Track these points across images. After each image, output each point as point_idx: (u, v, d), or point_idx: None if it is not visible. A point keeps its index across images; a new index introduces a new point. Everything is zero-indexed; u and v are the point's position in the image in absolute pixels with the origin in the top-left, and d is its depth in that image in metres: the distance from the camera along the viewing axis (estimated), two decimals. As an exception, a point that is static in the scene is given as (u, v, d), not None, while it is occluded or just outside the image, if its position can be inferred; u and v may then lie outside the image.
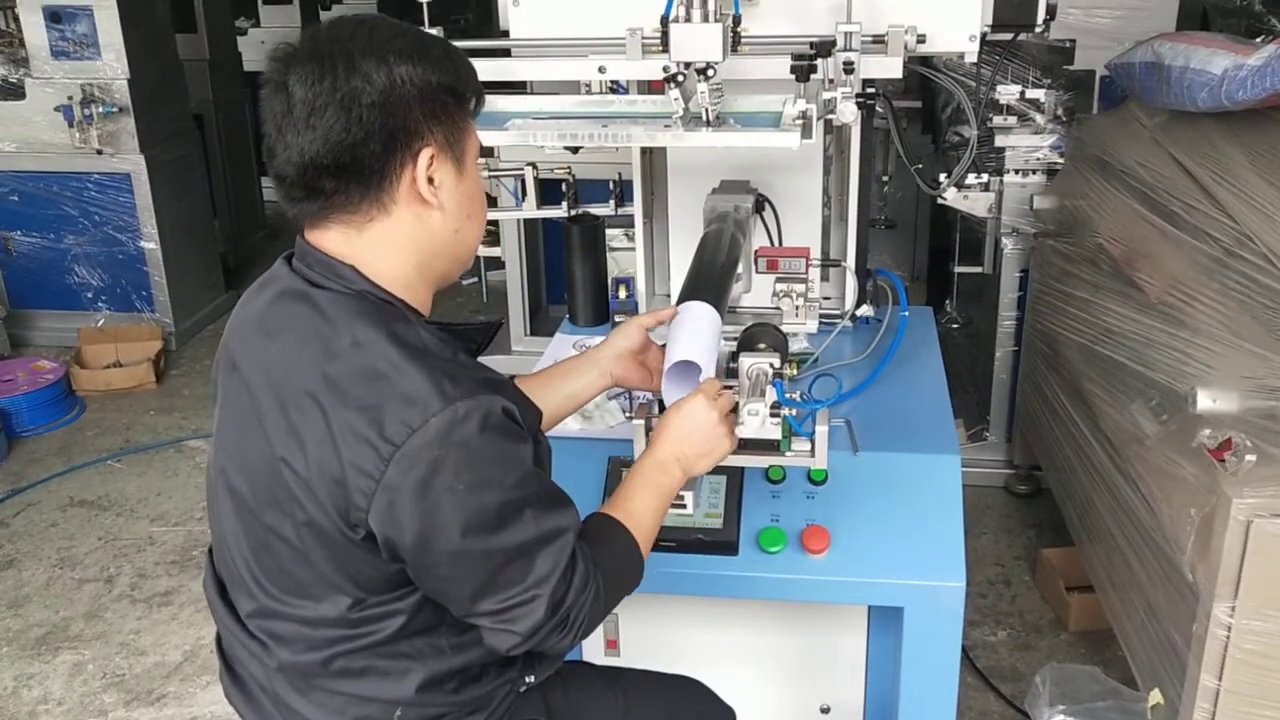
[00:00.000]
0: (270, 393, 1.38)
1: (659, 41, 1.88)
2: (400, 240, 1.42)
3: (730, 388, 1.77)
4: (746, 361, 1.76)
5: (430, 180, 1.40)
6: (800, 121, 1.90)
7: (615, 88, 2.46)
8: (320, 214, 1.40)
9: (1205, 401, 2.06)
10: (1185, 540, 2.13)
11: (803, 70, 1.90)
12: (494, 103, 2.21)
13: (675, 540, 1.96)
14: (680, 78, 1.86)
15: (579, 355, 1.93)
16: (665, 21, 1.84)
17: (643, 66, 2.07)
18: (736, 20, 1.91)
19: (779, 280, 2.16)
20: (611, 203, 3.64)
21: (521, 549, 1.37)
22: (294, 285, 1.42)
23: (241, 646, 1.53)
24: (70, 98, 4.87)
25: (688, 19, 1.82)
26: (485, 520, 1.34)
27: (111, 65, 4.90)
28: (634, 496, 1.60)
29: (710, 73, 1.84)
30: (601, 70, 2.13)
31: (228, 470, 1.46)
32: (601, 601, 1.47)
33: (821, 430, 1.75)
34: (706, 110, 1.90)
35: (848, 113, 1.91)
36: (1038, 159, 3.59)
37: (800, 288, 2.16)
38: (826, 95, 1.93)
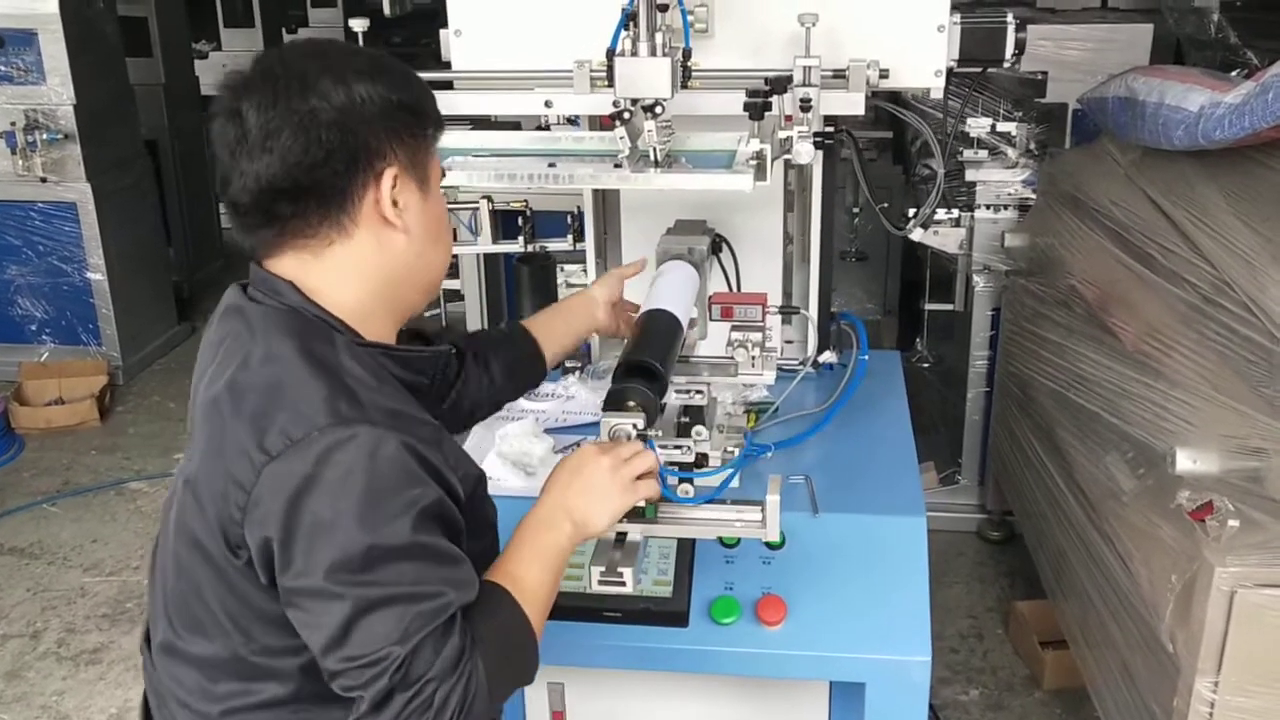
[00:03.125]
0: (198, 408, 1.36)
1: (606, 75, 1.77)
2: (361, 265, 1.37)
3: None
4: (609, 421, 1.61)
5: (394, 203, 1.35)
6: (754, 162, 1.78)
7: (574, 121, 2.36)
8: (276, 241, 1.36)
9: (1185, 462, 1.95)
10: (1164, 607, 2.01)
11: (756, 108, 1.78)
12: (434, 136, 2.11)
13: (620, 610, 1.84)
14: (627, 115, 1.75)
15: (574, 295, 2.01)
16: (610, 55, 1.74)
17: (591, 101, 1.98)
18: (687, 54, 1.81)
19: (735, 329, 2.03)
20: (570, 237, 3.52)
21: (385, 600, 1.23)
22: (235, 301, 1.40)
23: (156, 697, 1.46)
24: (13, 124, 4.71)
25: (634, 53, 1.72)
26: (349, 559, 1.22)
27: (56, 91, 4.75)
28: (519, 560, 1.43)
29: (658, 110, 1.73)
30: (548, 104, 2.04)
31: (173, 498, 1.41)
32: (482, 685, 1.28)
33: (773, 500, 1.61)
34: (655, 150, 1.78)
35: (805, 153, 1.81)
36: (1009, 194, 3.52)
37: (757, 336, 2.04)
38: (783, 134, 1.81)
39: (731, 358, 2.03)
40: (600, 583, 1.58)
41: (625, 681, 2.13)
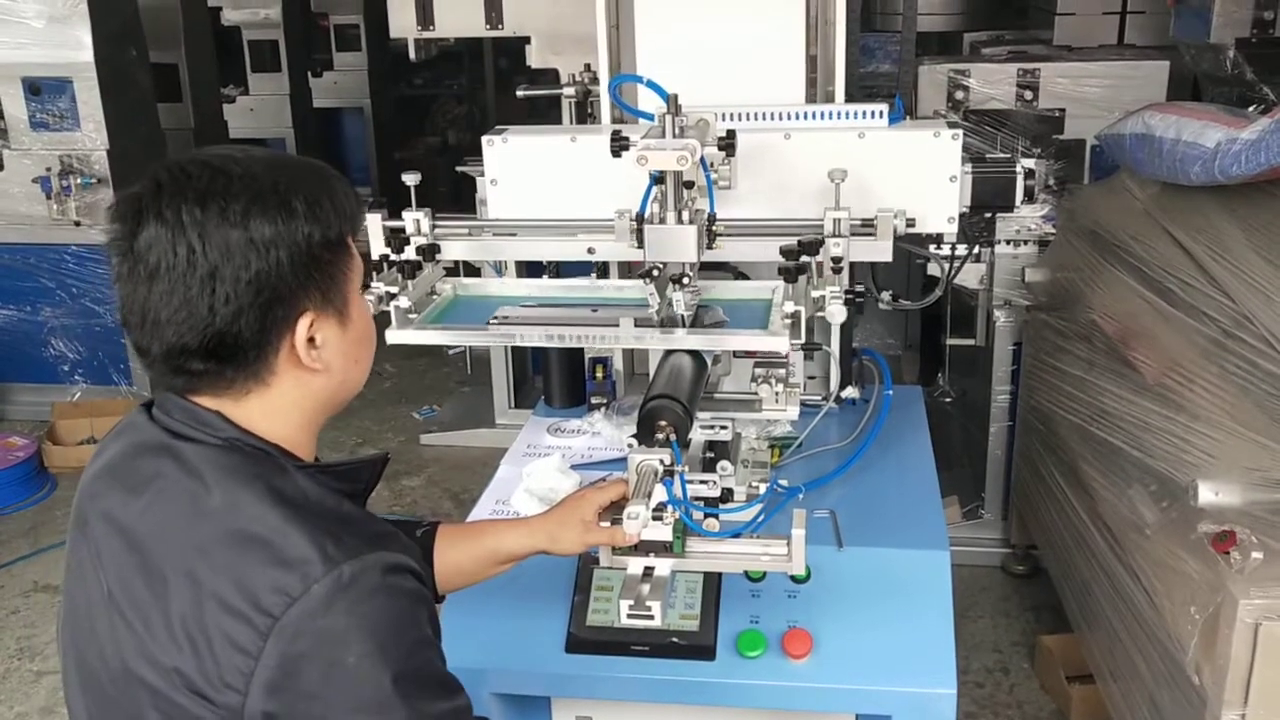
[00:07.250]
0: (132, 559, 1.24)
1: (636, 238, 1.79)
2: (282, 406, 1.30)
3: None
4: (635, 458, 1.64)
5: (312, 340, 1.28)
6: (789, 322, 1.79)
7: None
8: (188, 388, 1.29)
9: (1207, 495, 1.96)
10: (1189, 640, 2.01)
11: (791, 272, 1.79)
12: (480, 286, 2.05)
13: (648, 644, 1.86)
14: (655, 273, 1.77)
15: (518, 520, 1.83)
16: (640, 219, 1.78)
17: (632, 249, 1.97)
18: (712, 219, 1.84)
19: (758, 365, 2.06)
20: (594, 275, 3.55)
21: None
22: (153, 438, 1.28)
23: None
24: (48, 169, 4.80)
25: (662, 220, 1.76)
26: (380, 696, 1.18)
27: (90, 136, 4.84)
28: None
29: (685, 280, 1.74)
30: (591, 251, 2.02)
31: (85, 654, 1.30)
32: None
33: (798, 534, 1.64)
34: (682, 317, 1.79)
35: (837, 314, 1.79)
36: (1029, 230, 3.53)
37: (780, 373, 2.06)
38: (816, 293, 1.82)
39: (755, 394, 2.06)
40: (629, 616, 1.60)
41: (653, 714, 2.14)
